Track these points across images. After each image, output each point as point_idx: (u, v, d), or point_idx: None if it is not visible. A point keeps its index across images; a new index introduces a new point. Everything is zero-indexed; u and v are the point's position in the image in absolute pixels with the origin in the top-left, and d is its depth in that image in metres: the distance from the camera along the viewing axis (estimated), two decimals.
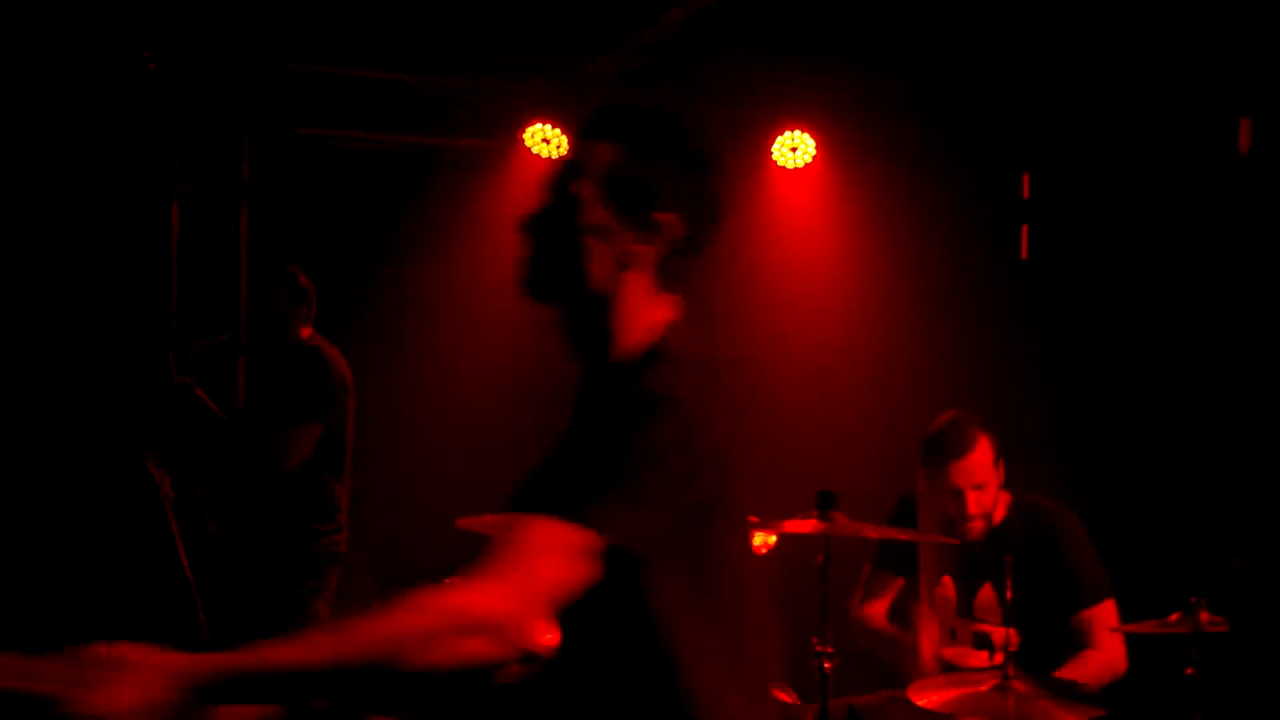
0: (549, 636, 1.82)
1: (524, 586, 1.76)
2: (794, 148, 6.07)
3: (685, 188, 2.01)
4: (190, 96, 5.75)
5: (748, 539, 2.03)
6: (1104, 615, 3.85)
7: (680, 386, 1.88)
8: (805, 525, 3.61)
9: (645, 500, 1.80)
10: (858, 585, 4.25)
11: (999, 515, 3.99)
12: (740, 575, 1.97)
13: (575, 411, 2.06)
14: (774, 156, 6.08)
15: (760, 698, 2.01)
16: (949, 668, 3.87)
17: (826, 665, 3.58)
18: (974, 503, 3.91)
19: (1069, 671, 3.76)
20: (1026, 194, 5.79)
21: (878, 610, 4.21)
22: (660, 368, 1.93)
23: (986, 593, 3.93)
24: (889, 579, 4.19)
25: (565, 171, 2.03)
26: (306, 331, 4.96)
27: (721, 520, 1.92)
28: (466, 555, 1.94)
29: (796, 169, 6.13)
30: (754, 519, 4.17)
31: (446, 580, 1.80)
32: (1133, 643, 3.89)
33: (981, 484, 3.92)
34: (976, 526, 3.94)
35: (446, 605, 1.75)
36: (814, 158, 6.09)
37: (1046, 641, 3.83)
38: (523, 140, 5.90)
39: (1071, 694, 3.48)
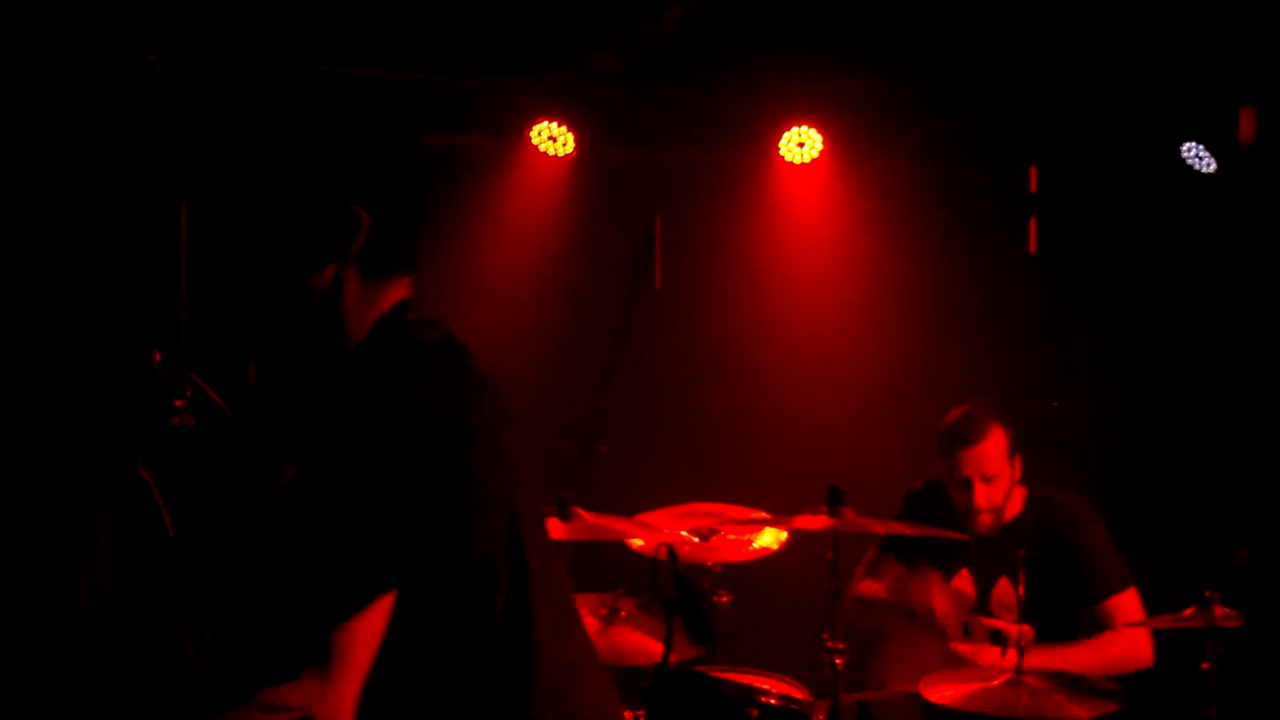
0: None
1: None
2: (801, 143, 6.06)
3: (367, 173, 2.11)
4: (197, 97, 5.74)
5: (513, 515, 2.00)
6: (1127, 603, 3.81)
7: (401, 367, 1.96)
8: (815, 521, 3.59)
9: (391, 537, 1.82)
10: (860, 565, 4.20)
11: (1014, 510, 3.95)
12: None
13: (309, 404, 2.11)
14: (781, 152, 6.07)
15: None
16: (963, 663, 3.85)
17: (838, 661, 3.56)
18: (982, 496, 3.87)
19: (1085, 650, 3.73)
20: (1034, 187, 5.78)
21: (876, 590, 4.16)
22: (380, 352, 2.01)
23: (1002, 588, 3.91)
24: (891, 563, 4.15)
25: (260, 189, 2.18)
26: None
27: (468, 495, 1.92)
28: None
29: (803, 164, 6.11)
30: (765, 515, 4.19)
31: None
32: None
33: (991, 476, 3.87)
34: (984, 520, 3.90)
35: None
36: (821, 153, 6.07)
37: (1066, 637, 3.81)
38: (529, 138, 5.88)
39: (1085, 688, 3.47)
